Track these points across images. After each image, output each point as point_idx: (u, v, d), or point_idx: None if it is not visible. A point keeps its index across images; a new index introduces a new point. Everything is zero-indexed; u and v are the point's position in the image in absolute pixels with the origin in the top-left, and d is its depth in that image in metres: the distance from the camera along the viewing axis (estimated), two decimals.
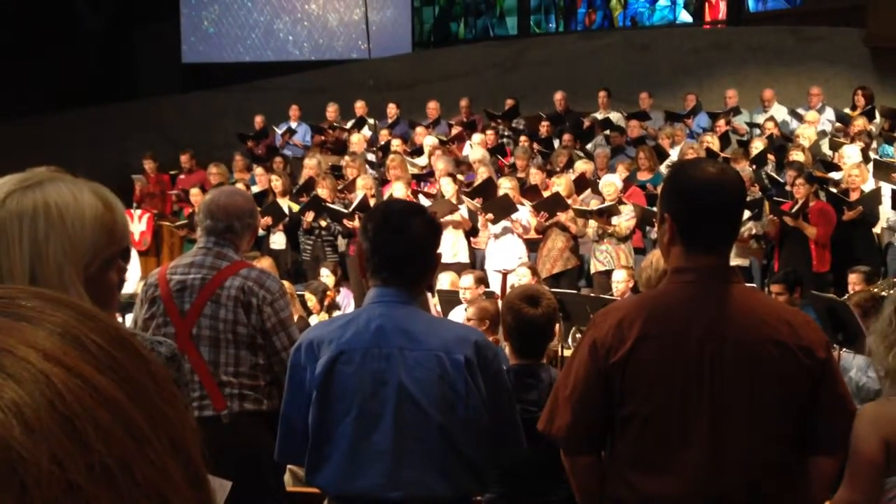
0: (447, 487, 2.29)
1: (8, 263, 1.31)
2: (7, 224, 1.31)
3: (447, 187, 8.70)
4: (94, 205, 1.36)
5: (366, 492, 2.29)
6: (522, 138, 11.10)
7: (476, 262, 8.73)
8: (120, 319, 5.23)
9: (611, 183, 8.52)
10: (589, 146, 11.09)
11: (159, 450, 0.48)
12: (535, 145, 11.05)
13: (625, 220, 8.30)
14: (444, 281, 7.13)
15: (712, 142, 9.90)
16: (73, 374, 0.46)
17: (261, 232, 8.58)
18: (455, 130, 11.71)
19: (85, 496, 0.44)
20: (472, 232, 8.81)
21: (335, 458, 2.31)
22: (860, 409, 2.12)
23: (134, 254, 8.75)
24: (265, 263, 6.30)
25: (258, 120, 12.52)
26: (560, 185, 8.58)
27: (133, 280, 6.64)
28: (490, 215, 8.35)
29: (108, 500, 0.45)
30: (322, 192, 9.14)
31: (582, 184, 9.11)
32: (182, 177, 11.28)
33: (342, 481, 2.31)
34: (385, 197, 9.07)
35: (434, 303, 6.79)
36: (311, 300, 6.97)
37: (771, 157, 9.80)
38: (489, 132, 11.28)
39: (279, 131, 12.20)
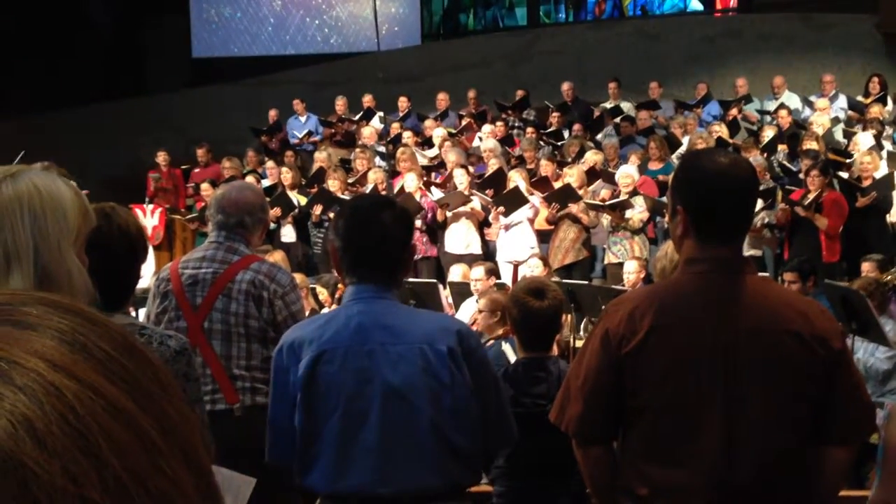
0: (438, 479, 2.28)
1: (13, 241, 1.41)
2: (8, 206, 1.42)
3: (460, 178, 8.69)
4: (68, 190, 1.49)
5: (356, 489, 2.27)
6: (529, 130, 11.07)
7: (489, 253, 8.72)
8: (133, 314, 5.25)
9: (628, 175, 8.48)
10: (599, 136, 11.06)
11: (171, 461, 0.47)
12: (544, 137, 11.02)
13: (638, 212, 8.27)
14: (456, 273, 7.14)
15: (721, 130, 9.85)
16: (84, 385, 0.45)
17: (271, 225, 8.60)
18: (464, 122, 11.69)
19: None
20: (485, 223, 8.81)
21: (323, 457, 2.30)
22: (891, 409, 2.09)
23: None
24: (277, 257, 6.32)
25: (272, 114, 12.53)
26: (572, 175, 8.55)
27: (147, 275, 6.67)
28: (501, 209, 8.34)
29: None
30: (333, 184, 9.15)
31: (592, 174, 9.08)
32: (197, 171, 11.32)
33: (332, 480, 2.29)
34: (396, 189, 9.07)
35: (446, 294, 6.79)
36: (323, 293, 6.99)
37: (783, 146, 9.75)
38: (499, 123, 11.26)
39: (298, 134, 12.17)
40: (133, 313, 5.28)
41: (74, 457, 0.43)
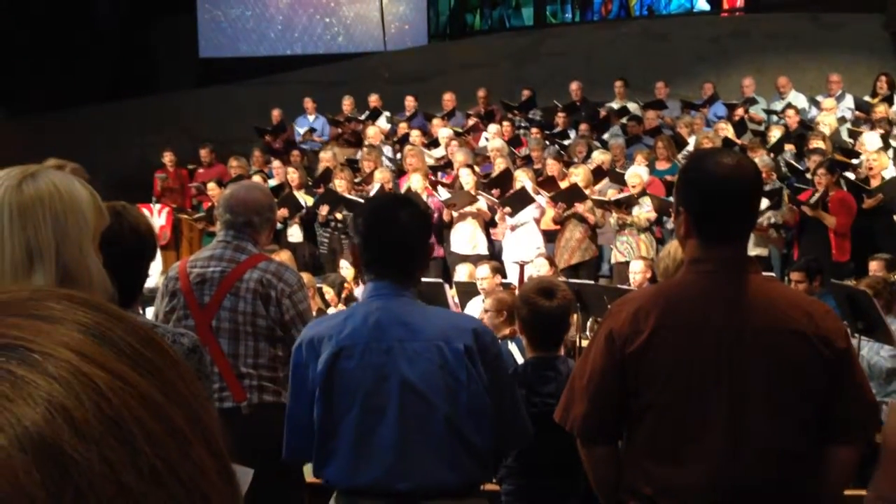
0: (453, 476, 2.31)
1: (36, 240, 1.43)
2: (30, 206, 1.43)
3: (466, 178, 8.70)
4: (84, 189, 1.51)
5: (372, 484, 2.30)
6: (534, 130, 11.07)
7: (495, 253, 8.73)
8: (140, 312, 5.28)
9: (636, 175, 8.49)
10: (605, 136, 11.06)
11: (197, 448, 0.48)
12: (549, 137, 11.02)
13: (645, 211, 8.28)
14: (462, 272, 7.15)
15: (727, 129, 9.84)
16: (115, 376, 0.46)
17: (278, 225, 8.62)
18: (471, 122, 11.70)
19: (135, 497, 0.44)
20: (491, 223, 8.81)
21: (341, 452, 2.33)
22: (891, 405, 2.10)
23: None
24: (283, 257, 6.33)
25: (275, 114, 12.55)
26: (578, 175, 8.55)
27: (154, 274, 6.70)
28: (508, 209, 8.35)
29: (157, 501, 0.45)
30: (339, 184, 9.17)
31: (599, 174, 9.08)
32: (201, 171, 11.35)
33: (349, 475, 2.33)
34: (403, 188, 9.09)
35: (452, 294, 6.80)
36: (329, 293, 7.00)
37: (790, 146, 9.73)
38: (505, 123, 11.27)
39: (301, 130, 12.21)
40: (140, 312, 5.30)
41: (110, 444, 0.44)
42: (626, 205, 8.27)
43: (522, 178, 8.55)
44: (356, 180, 9.54)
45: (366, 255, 2.38)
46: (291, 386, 2.44)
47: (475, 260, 7.85)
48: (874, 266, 6.55)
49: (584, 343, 5.92)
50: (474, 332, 2.36)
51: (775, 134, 9.81)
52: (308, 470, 3.77)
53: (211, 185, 10.01)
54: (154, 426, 0.46)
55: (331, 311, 6.66)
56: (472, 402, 2.30)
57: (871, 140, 9.01)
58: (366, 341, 2.32)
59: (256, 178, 9.24)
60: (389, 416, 2.29)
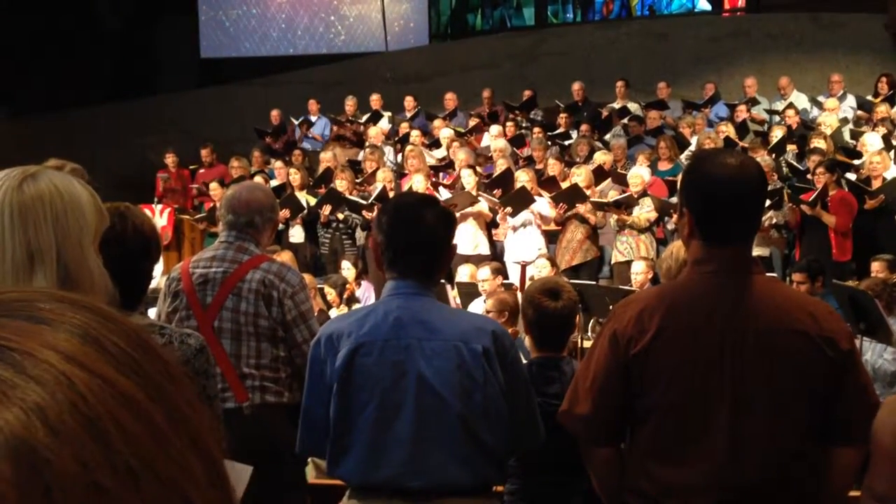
0: (467, 475, 2.31)
1: (37, 241, 1.43)
2: (30, 206, 1.43)
3: (468, 179, 8.69)
4: (84, 190, 1.51)
5: (387, 481, 2.31)
6: (536, 130, 11.07)
7: (497, 254, 8.73)
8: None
9: (637, 175, 8.49)
10: (607, 136, 11.05)
11: (180, 448, 0.48)
12: (550, 137, 11.01)
13: (645, 212, 8.27)
14: (464, 273, 7.14)
15: (727, 130, 9.83)
16: (95, 376, 0.46)
17: (279, 225, 8.62)
18: (473, 122, 11.69)
19: (109, 497, 0.44)
20: (492, 224, 8.81)
21: (356, 448, 2.33)
22: (886, 400, 2.10)
23: None
24: (285, 257, 6.33)
25: (274, 114, 12.54)
26: (580, 175, 8.55)
27: (156, 275, 6.69)
28: (508, 209, 8.35)
29: (133, 500, 0.45)
30: (341, 184, 9.17)
31: (600, 174, 9.07)
32: (202, 171, 11.35)
33: (363, 471, 2.33)
34: (404, 189, 9.08)
35: (453, 295, 6.80)
36: (331, 293, 7.00)
37: (792, 146, 9.72)
38: (509, 124, 11.27)
39: (296, 122, 12.23)
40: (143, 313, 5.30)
41: (85, 443, 0.44)
42: (625, 205, 8.27)
43: (523, 179, 8.54)
44: (357, 181, 9.53)
45: (389, 254, 2.38)
46: (308, 381, 2.44)
47: (476, 260, 7.85)
48: (876, 267, 6.55)
49: (587, 344, 5.92)
50: (493, 334, 2.37)
51: (777, 134, 9.80)
52: (310, 471, 3.77)
53: (213, 186, 10.01)
54: (132, 426, 0.46)
55: (333, 312, 6.66)
56: (486, 402, 2.31)
57: (872, 141, 9.00)
58: (385, 338, 2.32)
59: (258, 179, 9.24)
60: (405, 412, 2.30)
